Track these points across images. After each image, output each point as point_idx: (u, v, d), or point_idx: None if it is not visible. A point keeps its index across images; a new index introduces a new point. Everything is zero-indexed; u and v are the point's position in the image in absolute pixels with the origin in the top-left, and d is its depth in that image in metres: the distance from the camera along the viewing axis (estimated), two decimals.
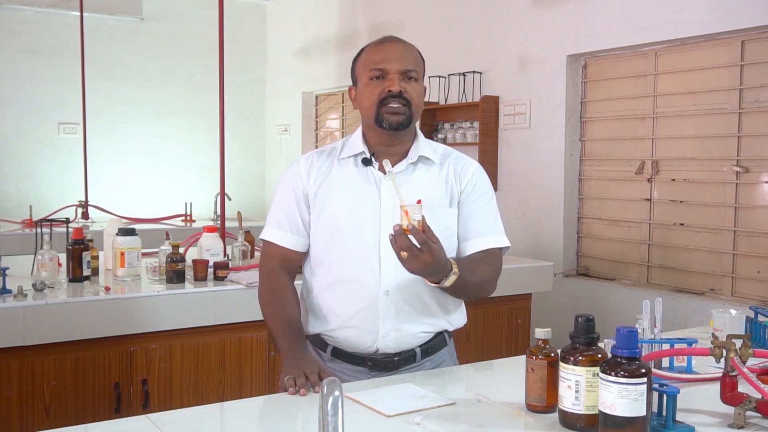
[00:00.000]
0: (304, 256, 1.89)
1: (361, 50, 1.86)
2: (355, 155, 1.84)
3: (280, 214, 1.86)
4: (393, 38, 1.85)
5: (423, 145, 1.86)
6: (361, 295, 1.78)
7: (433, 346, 1.86)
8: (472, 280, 1.74)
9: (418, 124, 1.90)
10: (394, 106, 1.76)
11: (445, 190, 1.85)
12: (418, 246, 1.55)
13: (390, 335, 1.79)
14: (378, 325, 1.78)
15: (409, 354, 1.82)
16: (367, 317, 1.78)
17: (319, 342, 1.86)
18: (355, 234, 1.78)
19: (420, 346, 1.83)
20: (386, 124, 1.78)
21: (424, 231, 1.56)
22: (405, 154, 1.85)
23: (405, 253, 1.56)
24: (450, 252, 1.84)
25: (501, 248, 1.88)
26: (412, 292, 1.80)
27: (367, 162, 1.82)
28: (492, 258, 1.85)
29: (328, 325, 1.82)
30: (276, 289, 1.83)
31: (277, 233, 1.85)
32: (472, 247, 1.85)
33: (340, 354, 1.83)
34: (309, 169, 1.85)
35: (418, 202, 1.79)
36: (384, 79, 1.78)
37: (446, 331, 1.89)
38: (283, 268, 1.86)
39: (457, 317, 1.91)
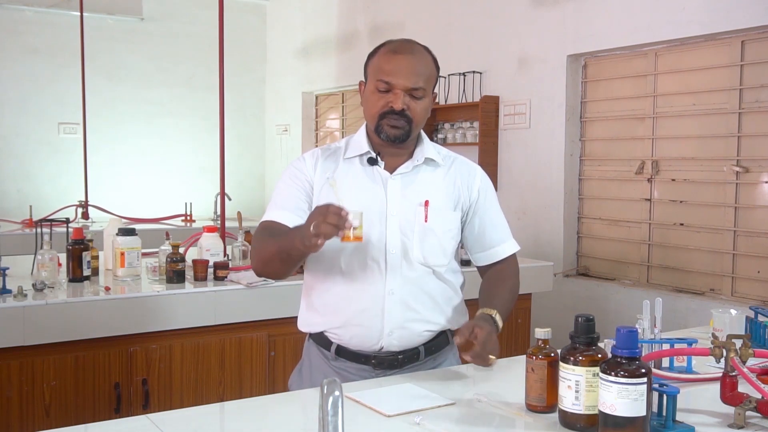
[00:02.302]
0: None
1: (378, 48, 1.84)
2: (361, 155, 1.84)
3: (283, 198, 1.83)
4: (407, 48, 1.80)
5: (428, 148, 1.87)
6: (367, 293, 1.78)
7: (437, 344, 1.87)
8: (511, 306, 1.90)
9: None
10: (394, 121, 1.76)
11: (452, 193, 1.87)
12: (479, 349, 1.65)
13: (395, 334, 1.79)
14: (383, 323, 1.78)
15: (413, 352, 1.83)
16: (373, 316, 1.78)
17: (323, 340, 1.85)
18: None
19: (424, 344, 1.85)
20: (384, 137, 1.78)
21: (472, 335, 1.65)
22: (409, 155, 1.86)
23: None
24: (448, 255, 1.87)
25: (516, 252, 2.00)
26: (417, 292, 1.81)
27: (372, 161, 1.83)
28: (510, 268, 1.98)
29: (333, 322, 1.82)
30: (270, 230, 1.79)
31: (279, 213, 1.81)
32: (491, 257, 1.95)
33: (344, 352, 1.83)
34: (315, 164, 1.85)
35: (426, 203, 1.80)
36: (389, 93, 1.76)
37: (449, 330, 1.90)
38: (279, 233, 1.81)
39: (459, 317, 1.92)
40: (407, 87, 1.76)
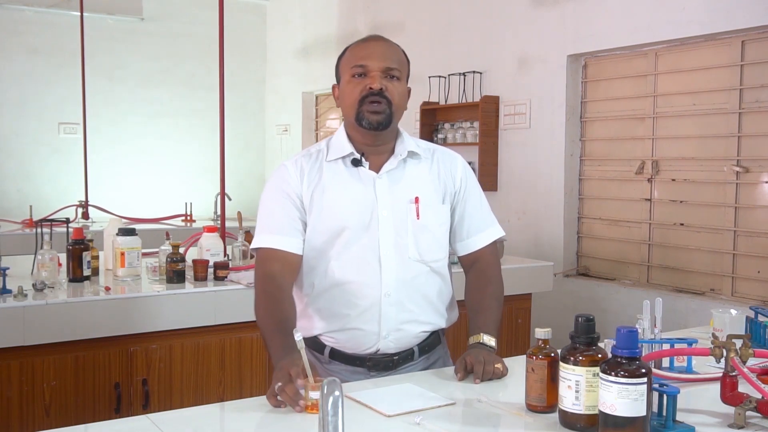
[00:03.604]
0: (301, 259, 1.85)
1: (346, 48, 1.85)
2: (343, 157, 1.82)
3: (276, 219, 1.79)
4: (377, 36, 1.84)
5: (408, 141, 1.86)
6: (363, 297, 1.77)
7: (430, 344, 1.88)
8: (500, 313, 1.86)
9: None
10: (374, 105, 1.74)
11: (438, 186, 1.86)
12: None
13: (391, 336, 1.79)
14: (380, 326, 1.78)
15: (407, 353, 1.83)
16: (370, 319, 1.78)
17: (316, 344, 1.84)
18: (355, 236, 1.77)
19: (418, 345, 1.85)
20: (366, 123, 1.76)
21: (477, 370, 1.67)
22: (391, 152, 1.84)
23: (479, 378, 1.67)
24: (444, 248, 1.87)
25: (497, 239, 1.95)
26: (413, 293, 1.81)
27: (356, 163, 1.80)
28: (490, 268, 1.92)
29: (329, 327, 1.81)
30: (271, 293, 1.75)
31: (275, 238, 1.78)
32: (469, 247, 1.91)
33: (338, 355, 1.82)
34: (300, 174, 1.81)
35: (416, 200, 1.79)
36: (365, 77, 1.76)
37: (441, 329, 1.90)
38: (282, 273, 1.77)
39: (451, 314, 1.93)
40: (382, 67, 1.75)
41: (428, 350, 1.87)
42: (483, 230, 1.92)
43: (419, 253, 1.80)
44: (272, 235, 1.79)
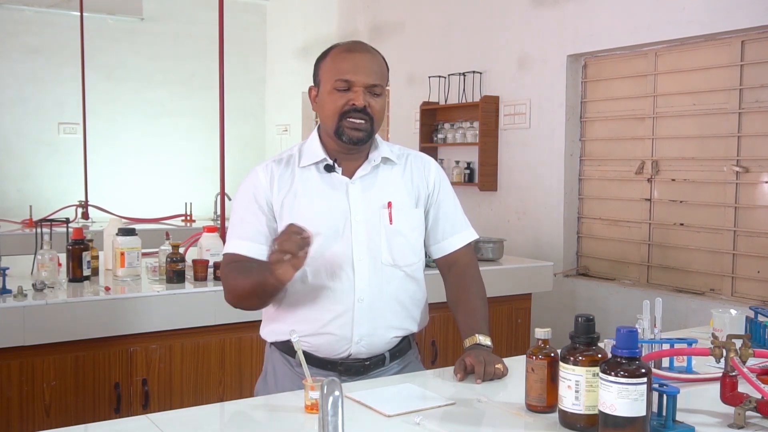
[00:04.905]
0: None
1: (327, 51, 1.80)
2: (316, 162, 1.80)
3: (244, 226, 1.79)
4: (361, 47, 1.78)
5: (382, 147, 1.84)
6: (336, 302, 1.76)
7: (401, 349, 1.87)
8: (487, 312, 1.87)
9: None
10: (356, 122, 1.72)
11: (411, 191, 1.85)
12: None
13: (363, 341, 1.78)
14: (352, 331, 1.77)
15: (378, 358, 1.83)
16: (342, 324, 1.77)
17: (288, 348, 1.81)
18: (328, 242, 1.75)
19: (389, 350, 1.84)
20: (346, 138, 1.74)
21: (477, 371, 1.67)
22: (365, 158, 1.82)
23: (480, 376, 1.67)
24: (418, 252, 1.86)
25: (472, 241, 1.95)
26: (386, 299, 1.80)
27: (329, 168, 1.79)
28: (469, 269, 1.92)
29: (302, 331, 1.77)
30: (239, 269, 1.75)
31: (243, 244, 1.78)
32: (444, 249, 1.91)
33: (310, 359, 1.79)
34: (271, 180, 1.79)
35: (389, 204, 1.78)
36: (349, 91, 1.73)
37: (412, 334, 1.90)
38: None
39: (424, 318, 1.93)
40: (367, 83, 1.73)
41: (399, 356, 1.87)
42: (458, 232, 1.92)
43: (393, 258, 1.79)
44: (241, 240, 1.79)
